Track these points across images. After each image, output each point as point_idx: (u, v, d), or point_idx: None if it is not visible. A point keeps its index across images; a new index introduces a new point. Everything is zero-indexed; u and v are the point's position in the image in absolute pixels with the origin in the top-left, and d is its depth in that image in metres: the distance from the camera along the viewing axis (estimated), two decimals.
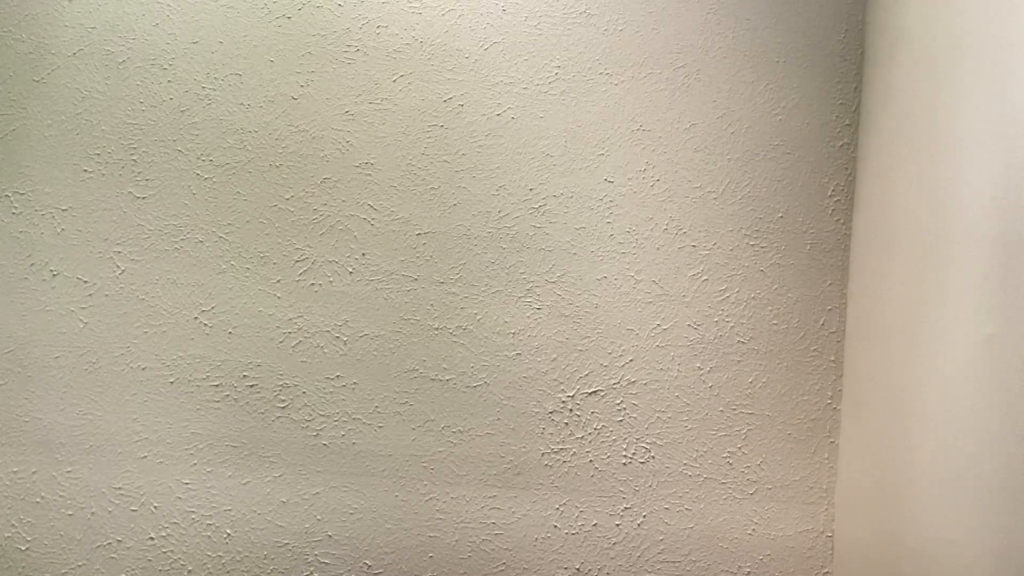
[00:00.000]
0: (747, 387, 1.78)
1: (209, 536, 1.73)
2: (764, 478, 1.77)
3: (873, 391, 1.64)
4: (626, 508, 1.76)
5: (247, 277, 1.77)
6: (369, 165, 1.80)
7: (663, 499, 1.77)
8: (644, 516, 1.76)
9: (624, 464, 1.77)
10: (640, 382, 1.78)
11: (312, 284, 1.78)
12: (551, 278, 1.79)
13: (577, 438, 1.77)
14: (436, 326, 1.78)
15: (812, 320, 1.80)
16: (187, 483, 1.74)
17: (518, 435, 1.76)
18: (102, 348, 1.75)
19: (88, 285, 1.76)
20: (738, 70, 1.83)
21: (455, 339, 1.77)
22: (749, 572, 1.76)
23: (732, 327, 1.79)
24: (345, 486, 1.75)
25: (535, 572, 1.74)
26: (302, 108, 1.80)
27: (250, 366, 1.76)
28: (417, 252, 1.79)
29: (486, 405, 1.77)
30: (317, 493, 1.75)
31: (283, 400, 1.76)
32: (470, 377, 1.77)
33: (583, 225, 1.80)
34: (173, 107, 1.79)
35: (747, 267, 1.80)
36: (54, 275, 1.76)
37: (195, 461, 1.74)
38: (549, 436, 1.77)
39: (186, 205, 1.78)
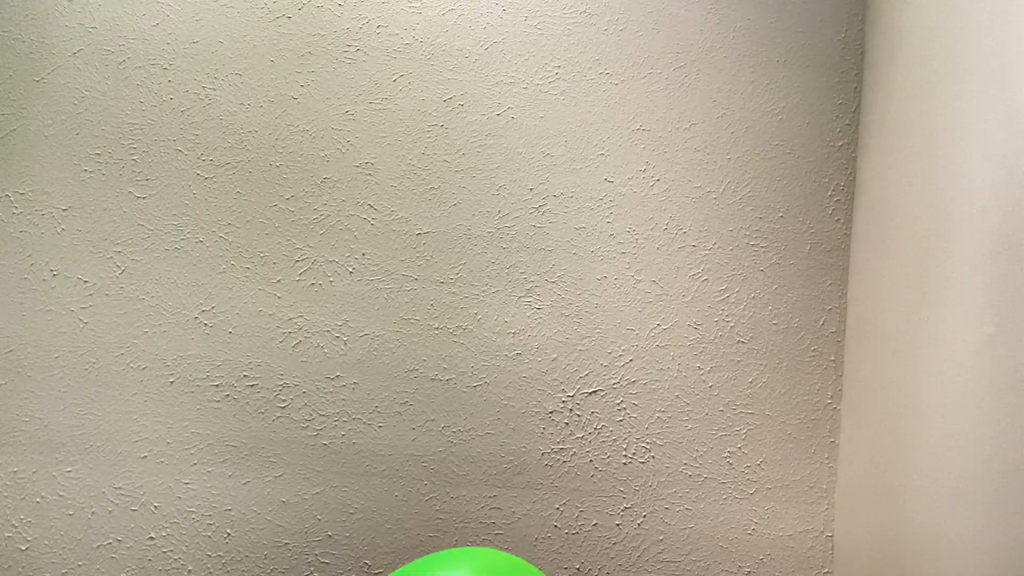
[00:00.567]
0: (747, 387, 1.79)
1: (209, 536, 1.73)
2: (764, 478, 1.77)
3: (873, 391, 1.64)
4: (626, 508, 1.76)
5: (247, 277, 1.77)
6: (369, 165, 1.80)
7: (663, 499, 1.77)
8: (644, 516, 1.76)
9: (624, 464, 1.77)
10: (640, 382, 1.78)
11: (312, 284, 1.78)
12: (551, 278, 1.79)
13: (577, 438, 1.77)
14: (436, 326, 1.78)
15: (812, 320, 1.80)
16: (187, 483, 1.74)
17: (518, 435, 1.76)
18: (102, 348, 1.75)
19: (88, 285, 1.76)
20: (738, 70, 1.83)
21: (455, 339, 1.78)
22: (749, 572, 1.76)
23: (732, 327, 1.79)
24: (345, 486, 1.75)
25: None
26: (302, 108, 1.80)
27: (250, 366, 1.76)
28: (417, 252, 1.79)
29: (486, 405, 1.77)
30: (317, 493, 1.75)
31: (283, 400, 1.76)
32: (470, 377, 1.77)
33: (583, 225, 1.80)
34: (173, 107, 1.79)
35: (747, 267, 1.80)
36: (54, 275, 1.76)
37: (195, 461, 1.74)
38: (549, 436, 1.77)
39: (186, 205, 1.78)
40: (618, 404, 1.78)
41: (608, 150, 1.81)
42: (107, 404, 1.75)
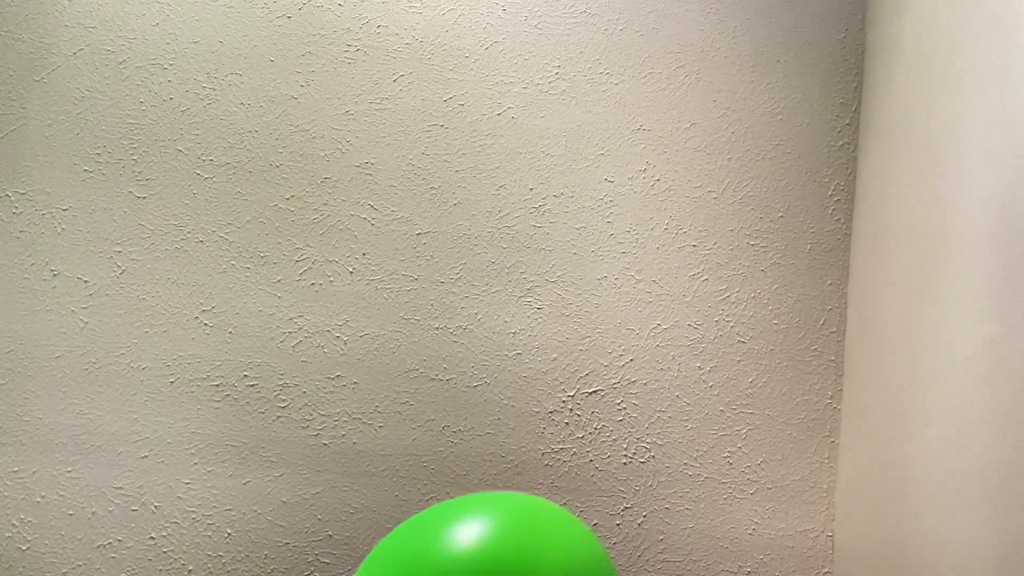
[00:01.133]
0: (747, 387, 1.79)
1: (209, 536, 1.73)
2: (764, 478, 1.77)
3: (873, 391, 1.64)
4: (626, 508, 1.76)
5: (247, 277, 1.78)
6: (369, 165, 1.80)
7: (663, 499, 1.77)
8: (644, 516, 1.76)
9: (624, 464, 1.77)
10: (640, 382, 1.78)
11: (312, 284, 1.78)
12: (551, 278, 1.79)
13: (577, 438, 1.77)
14: (436, 326, 1.78)
15: (812, 320, 1.80)
16: (187, 483, 1.74)
17: (518, 435, 1.76)
18: (102, 348, 1.75)
19: (88, 285, 1.76)
20: (738, 70, 1.83)
21: (455, 339, 1.78)
22: (749, 572, 1.76)
23: (732, 327, 1.79)
24: (345, 486, 1.75)
25: None
26: (302, 108, 1.80)
27: (250, 366, 1.76)
28: (417, 252, 1.79)
29: (486, 405, 1.77)
30: (317, 493, 1.75)
31: (283, 400, 1.76)
32: (470, 377, 1.77)
33: (583, 225, 1.80)
34: (173, 107, 1.80)
35: (747, 267, 1.80)
36: (54, 275, 1.76)
37: (195, 461, 1.74)
38: (549, 436, 1.77)
39: (186, 205, 1.78)
40: (618, 404, 1.78)
41: (608, 150, 1.81)
42: (107, 404, 1.75)
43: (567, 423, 1.77)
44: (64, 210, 1.77)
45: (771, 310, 1.80)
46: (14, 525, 1.72)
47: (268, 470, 1.75)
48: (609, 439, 1.77)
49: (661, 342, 1.79)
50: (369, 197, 1.79)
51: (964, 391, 1.31)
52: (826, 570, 1.76)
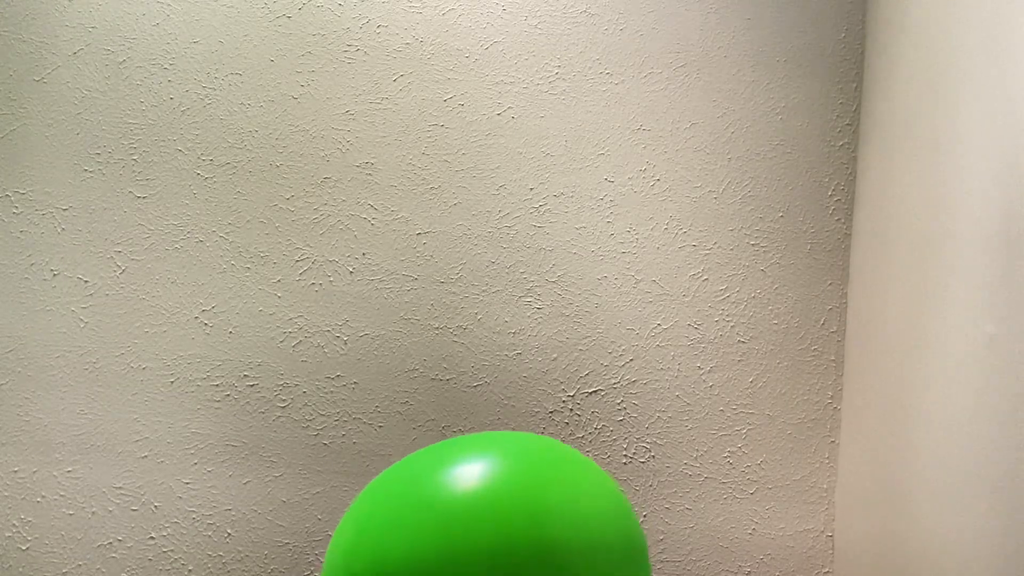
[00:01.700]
0: (747, 387, 1.79)
1: (210, 536, 1.73)
2: (764, 478, 1.77)
3: (873, 391, 1.64)
4: None
5: (247, 277, 1.78)
6: (369, 165, 1.80)
7: (663, 499, 1.77)
8: (644, 516, 1.76)
9: (624, 464, 1.77)
10: (640, 382, 1.78)
11: (312, 284, 1.78)
12: (551, 278, 1.79)
13: (577, 438, 1.77)
14: (436, 326, 1.78)
15: (812, 320, 1.80)
16: (187, 483, 1.74)
17: None
18: (102, 348, 1.75)
19: (88, 285, 1.76)
20: (738, 70, 1.83)
21: (455, 339, 1.78)
22: (749, 572, 1.76)
23: (732, 327, 1.79)
24: (345, 486, 1.75)
25: None
26: (302, 108, 1.80)
27: (250, 366, 1.76)
28: (417, 252, 1.79)
29: (486, 405, 1.77)
30: (317, 493, 1.75)
31: (283, 400, 1.76)
32: (470, 377, 1.77)
33: (583, 225, 1.80)
34: (173, 107, 1.80)
35: (747, 267, 1.80)
36: (54, 275, 1.76)
37: (195, 461, 1.74)
38: (550, 436, 1.77)
39: (186, 205, 1.78)
40: (618, 404, 1.78)
41: (608, 150, 1.81)
42: (107, 404, 1.75)
43: (567, 423, 1.77)
44: (64, 210, 1.77)
45: (771, 310, 1.80)
46: (14, 525, 1.72)
47: (268, 470, 1.75)
48: (609, 439, 1.77)
49: (661, 342, 1.79)
50: (369, 197, 1.79)
51: (964, 391, 1.31)
52: (826, 570, 1.76)
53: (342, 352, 1.77)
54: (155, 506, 1.74)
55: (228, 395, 1.76)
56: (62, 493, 1.73)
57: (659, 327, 1.79)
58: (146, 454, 1.74)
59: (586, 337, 1.78)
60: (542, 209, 1.80)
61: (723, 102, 1.83)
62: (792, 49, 1.83)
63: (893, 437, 1.53)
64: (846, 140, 1.82)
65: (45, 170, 1.78)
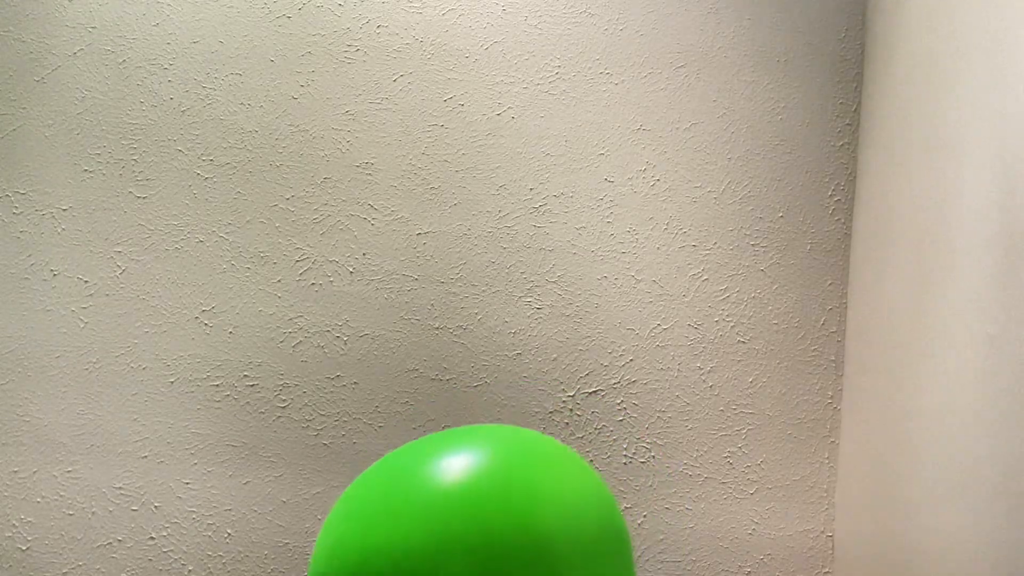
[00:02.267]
0: (747, 387, 1.79)
1: (210, 536, 1.73)
2: (764, 478, 1.77)
3: (873, 391, 1.64)
4: (626, 508, 1.76)
5: (247, 277, 1.78)
6: (369, 165, 1.80)
7: (663, 499, 1.77)
8: (644, 516, 1.76)
9: (624, 464, 1.77)
10: (640, 382, 1.78)
11: (312, 284, 1.78)
12: (551, 278, 1.79)
13: (577, 438, 1.77)
14: (436, 326, 1.78)
15: (812, 320, 1.80)
16: (187, 483, 1.74)
17: None
18: (102, 348, 1.75)
19: (88, 285, 1.76)
20: (738, 70, 1.83)
21: (455, 339, 1.78)
22: (749, 572, 1.76)
23: (732, 327, 1.79)
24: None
25: None
26: (302, 108, 1.80)
27: (250, 366, 1.76)
28: (417, 252, 1.79)
29: (486, 405, 1.77)
30: (317, 493, 1.75)
31: (283, 400, 1.76)
32: (470, 377, 1.77)
33: (583, 225, 1.80)
34: (173, 107, 1.80)
35: (747, 267, 1.80)
36: (54, 275, 1.76)
37: (195, 461, 1.75)
38: (550, 436, 1.77)
39: (186, 205, 1.78)
40: (618, 404, 1.78)
41: (608, 150, 1.81)
42: (107, 404, 1.75)
43: (567, 423, 1.77)
44: (64, 210, 1.77)
45: (771, 310, 1.80)
46: (14, 525, 1.72)
47: (268, 470, 1.75)
48: (609, 439, 1.77)
49: (661, 342, 1.79)
50: (369, 197, 1.79)
51: (964, 391, 1.31)
52: (826, 570, 1.76)
53: (342, 352, 1.77)
54: (155, 506, 1.74)
55: (228, 395, 1.76)
56: (62, 493, 1.73)
57: (659, 327, 1.79)
58: (146, 454, 1.74)
59: (586, 337, 1.78)
60: (542, 209, 1.80)
61: (723, 102, 1.83)
62: (792, 49, 1.83)
63: (893, 437, 1.53)
64: (846, 140, 1.82)
65: (45, 170, 1.78)
